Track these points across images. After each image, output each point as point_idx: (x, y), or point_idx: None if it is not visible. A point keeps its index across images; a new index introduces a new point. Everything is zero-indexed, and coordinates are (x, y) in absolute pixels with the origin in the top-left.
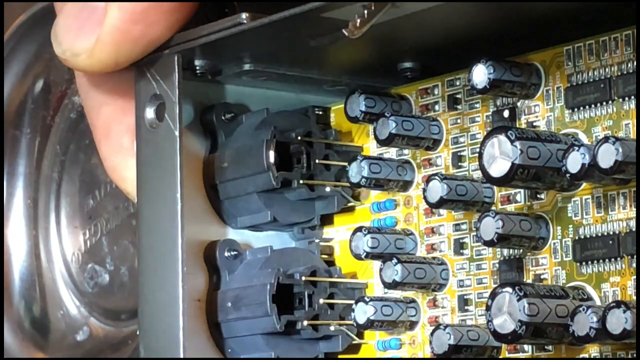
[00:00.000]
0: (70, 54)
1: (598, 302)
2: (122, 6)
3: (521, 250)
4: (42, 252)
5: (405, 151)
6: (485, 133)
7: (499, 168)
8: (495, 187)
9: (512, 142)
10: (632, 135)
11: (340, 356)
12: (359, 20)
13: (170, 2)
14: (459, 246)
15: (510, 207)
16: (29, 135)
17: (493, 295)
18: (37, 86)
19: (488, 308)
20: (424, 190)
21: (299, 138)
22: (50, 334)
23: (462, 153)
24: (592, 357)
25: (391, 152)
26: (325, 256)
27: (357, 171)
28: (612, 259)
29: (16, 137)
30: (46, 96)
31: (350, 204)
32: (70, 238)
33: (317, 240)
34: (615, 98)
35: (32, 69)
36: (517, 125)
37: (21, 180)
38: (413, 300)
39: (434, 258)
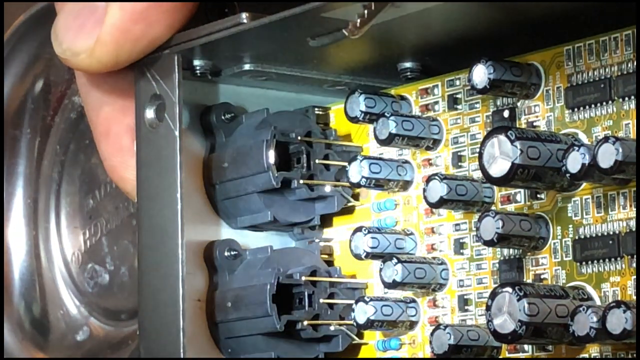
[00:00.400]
0: (71, 54)
1: (598, 302)
2: (122, 6)
3: (521, 250)
4: (42, 252)
5: (405, 151)
6: (485, 133)
7: (499, 168)
8: (495, 187)
9: (512, 142)
10: (632, 135)
11: (340, 356)
12: (359, 20)
13: (170, 1)
14: (459, 246)
15: (510, 207)
16: (29, 135)
17: (493, 295)
18: (37, 86)
19: (488, 308)
20: (424, 190)
21: (299, 138)
22: (50, 334)
23: (462, 153)
24: (592, 357)
25: (391, 152)
26: (325, 256)
27: (357, 171)
28: (612, 259)
29: (16, 137)
30: (46, 96)
31: (350, 204)
32: (70, 238)
33: (317, 240)
34: (615, 98)
35: (32, 69)
36: (517, 125)
37: (21, 180)
38: (413, 300)
39: (434, 258)
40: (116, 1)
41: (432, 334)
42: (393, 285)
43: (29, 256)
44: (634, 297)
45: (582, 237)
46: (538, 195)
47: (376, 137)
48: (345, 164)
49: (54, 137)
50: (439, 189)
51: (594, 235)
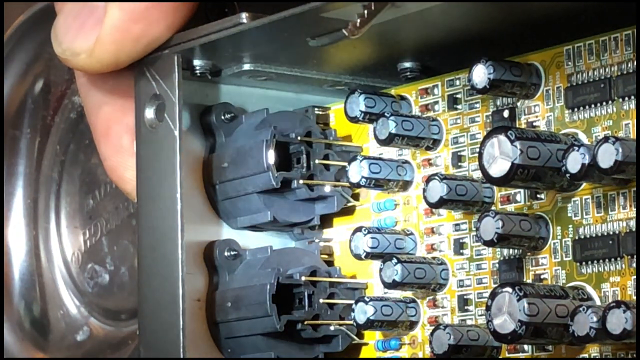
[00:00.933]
0: (71, 54)
1: (598, 302)
2: (122, 6)
3: (521, 250)
4: (42, 252)
5: (405, 151)
6: (485, 133)
7: (498, 168)
8: (495, 187)
9: (512, 142)
10: (632, 135)
11: (340, 356)
12: (359, 20)
13: (170, 1)
14: (459, 246)
15: (510, 207)
16: (29, 135)
17: (493, 295)
18: (37, 86)
19: (488, 308)
20: (424, 190)
21: (299, 138)
22: (50, 334)
23: (462, 153)
24: (592, 357)
25: (391, 152)
26: (325, 256)
27: (356, 171)
28: (612, 259)
29: (16, 137)
30: (46, 96)
31: (350, 204)
32: (70, 238)
33: (317, 241)
34: (615, 98)
35: (32, 69)
36: (517, 125)
37: (21, 180)
38: (413, 300)
39: (433, 258)
40: (115, 1)
41: (432, 334)
42: (393, 285)
43: (29, 256)
44: (634, 297)
45: (582, 237)
46: (538, 196)
47: (376, 137)
48: (345, 164)
49: (54, 137)
50: (438, 189)
51: (593, 235)
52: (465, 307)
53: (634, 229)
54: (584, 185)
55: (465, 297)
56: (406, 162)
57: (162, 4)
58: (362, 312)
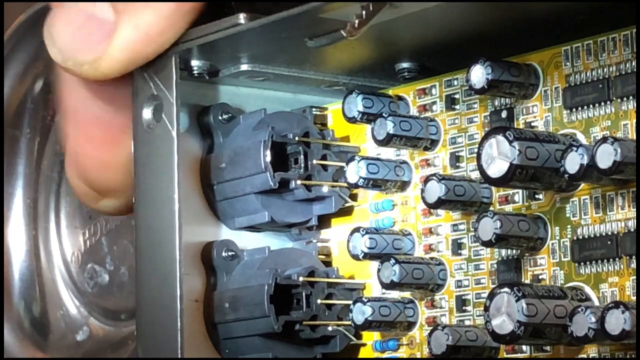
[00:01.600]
0: (73, 64)
1: (596, 303)
2: (138, 26)
3: (519, 251)
4: (42, 252)
5: (403, 151)
6: (483, 133)
7: (497, 168)
8: (493, 188)
9: (510, 142)
10: (631, 135)
11: (338, 357)
12: (357, 21)
13: (179, 1)
14: (457, 246)
15: (509, 208)
16: (29, 135)
17: (491, 295)
18: (37, 86)
19: (486, 308)
20: (422, 190)
21: (297, 138)
22: (50, 334)
23: (460, 153)
24: (590, 357)
25: (389, 153)
26: (323, 257)
27: (354, 171)
28: (611, 260)
29: (16, 137)
30: (46, 96)
31: (348, 205)
32: (70, 238)
33: (314, 241)
34: (614, 98)
35: (31, 69)
36: (515, 126)
37: (21, 180)
38: (411, 301)
39: (432, 258)
40: None
41: (430, 334)
42: (391, 285)
43: (29, 256)
44: (633, 298)
45: (581, 237)
46: (536, 196)
47: (374, 138)
48: (343, 164)
49: (54, 137)
50: (437, 190)
51: (592, 235)
52: (464, 308)
53: (632, 230)
54: (583, 185)
55: (463, 297)
56: (404, 162)
57: (176, 24)
58: (360, 313)
